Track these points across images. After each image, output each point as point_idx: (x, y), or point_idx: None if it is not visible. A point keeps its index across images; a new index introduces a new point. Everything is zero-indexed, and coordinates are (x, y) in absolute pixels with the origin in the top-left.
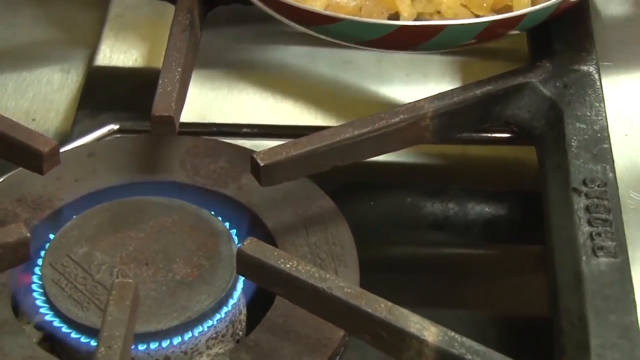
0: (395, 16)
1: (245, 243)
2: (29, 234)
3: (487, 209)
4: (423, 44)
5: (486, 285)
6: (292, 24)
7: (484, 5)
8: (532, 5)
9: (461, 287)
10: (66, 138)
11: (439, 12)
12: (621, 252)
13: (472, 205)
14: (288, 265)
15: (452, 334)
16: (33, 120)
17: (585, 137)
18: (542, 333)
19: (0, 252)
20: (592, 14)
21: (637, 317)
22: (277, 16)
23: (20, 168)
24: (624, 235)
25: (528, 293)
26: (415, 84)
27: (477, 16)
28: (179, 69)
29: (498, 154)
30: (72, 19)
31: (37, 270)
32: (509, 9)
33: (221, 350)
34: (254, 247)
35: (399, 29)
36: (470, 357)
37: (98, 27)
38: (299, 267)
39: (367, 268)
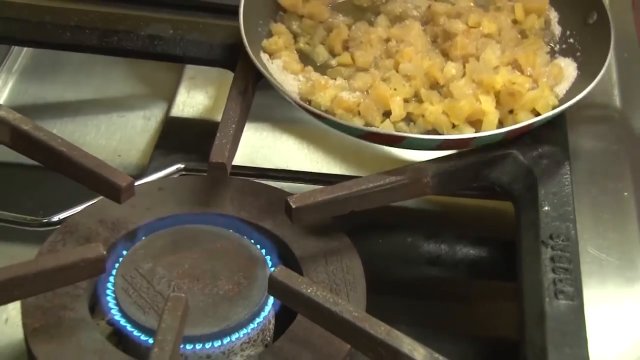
0: (390, 112)
1: (276, 270)
2: (105, 252)
3: (472, 250)
4: (396, 144)
5: (469, 312)
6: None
7: (461, 116)
8: (501, 122)
9: (448, 312)
10: (143, 172)
11: (423, 116)
12: (578, 296)
13: (460, 247)
14: (309, 291)
15: (437, 355)
16: (119, 156)
17: (554, 200)
18: (512, 354)
19: (82, 266)
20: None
21: (587, 350)
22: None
23: (103, 197)
24: (581, 282)
25: (502, 320)
26: None
27: (453, 125)
28: (233, 126)
29: (483, 206)
30: (154, 78)
31: (111, 279)
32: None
33: (252, 353)
34: (283, 274)
35: (369, 133)
36: None
37: (174, 85)
38: (318, 293)
39: (374, 293)
